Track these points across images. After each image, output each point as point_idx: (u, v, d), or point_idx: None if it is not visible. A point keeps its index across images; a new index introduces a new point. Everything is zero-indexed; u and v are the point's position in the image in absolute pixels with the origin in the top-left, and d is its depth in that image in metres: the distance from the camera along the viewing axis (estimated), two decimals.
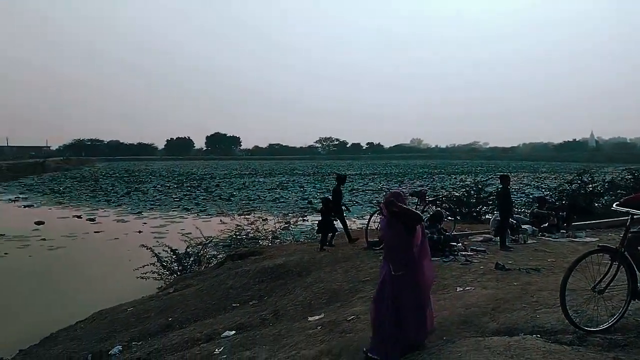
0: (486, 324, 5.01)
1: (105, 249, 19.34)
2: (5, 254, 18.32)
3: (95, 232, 22.95)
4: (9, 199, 38.74)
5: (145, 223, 25.28)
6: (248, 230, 17.16)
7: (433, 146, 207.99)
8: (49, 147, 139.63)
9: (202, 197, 38.06)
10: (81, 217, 27.62)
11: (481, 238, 10.99)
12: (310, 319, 6.69)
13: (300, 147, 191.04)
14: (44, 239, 20.88)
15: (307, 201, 34.32)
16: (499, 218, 10.39)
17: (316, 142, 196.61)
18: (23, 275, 15.91)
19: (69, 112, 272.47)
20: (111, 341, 7.55)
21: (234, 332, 6.76)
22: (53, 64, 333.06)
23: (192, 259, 14.38)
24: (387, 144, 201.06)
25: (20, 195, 41.68)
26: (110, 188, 47.56)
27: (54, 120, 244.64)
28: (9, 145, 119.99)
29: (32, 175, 70.11)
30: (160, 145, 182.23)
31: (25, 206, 33.89)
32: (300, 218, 22.60)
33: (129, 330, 7.83)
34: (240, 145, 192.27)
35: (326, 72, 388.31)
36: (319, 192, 41.22)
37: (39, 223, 24.79)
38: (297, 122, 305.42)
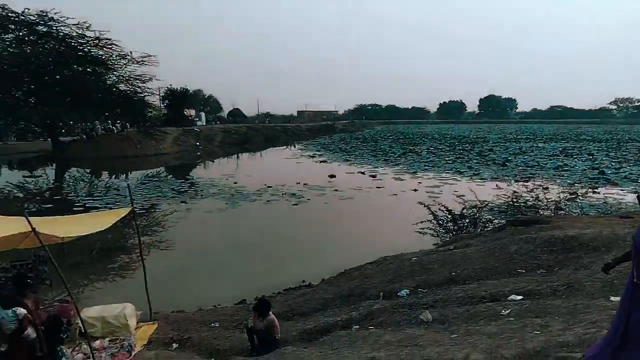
0: None
1: (386, 203, 21.17)
2: (308, 199, 22.00)
3: (376, 187, 25.31)
4: (309, 155, 46.12)
5: (420, 182, 26.47)
6: (527, 198, 16.17)
7: None
8: (337, 111, 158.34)
9: (475, 161, 37.39)
10: (364, 174, 30.79)
11: None
12: (612, 299, 5.93)
13: (589, 110, 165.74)
14: (336, 190, 24.18)
15: (598, 171, 29.91)
16: None
17: (610, 103, 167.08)
18: (321, 218, 18.87)
19: (354, 80, 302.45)
20: (398, 284, 8.30)
21: (520, 297, 6.54)
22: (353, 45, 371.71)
23: (467, 220, 14.50)
24: None
25: (317, 153, 49.05)
26: (388, 149, 51.27)
27: (342, 88, 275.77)
28: (307, 110, 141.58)
29: (324, 136, 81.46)
30: (433, 108, 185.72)
31: (321, 161, 39.83)
32: (590, 190, 19.88)
33: (414, 278, 8.46)
34: (517, 108, 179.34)
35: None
36: (613, 162, 35.40)
37: (331, 176, 28.81)
38: (586, 80, 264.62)
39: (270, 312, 6.53)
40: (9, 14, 38.46)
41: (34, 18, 39.29)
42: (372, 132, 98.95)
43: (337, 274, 11.01)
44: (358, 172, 31.69)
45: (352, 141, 66.55)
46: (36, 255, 6.23)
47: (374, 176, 29.56)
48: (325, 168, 34.45)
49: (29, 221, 5.39)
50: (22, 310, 5.09)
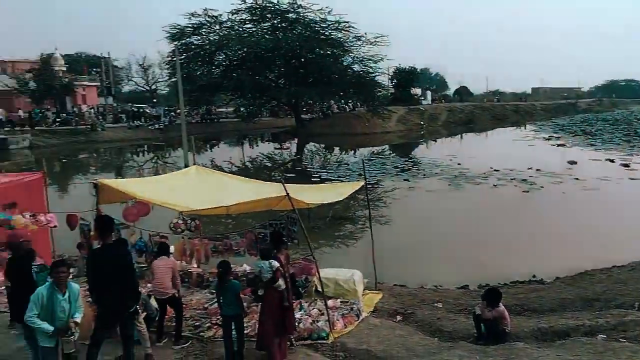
0: None
1: None
2: (541, 187, 20.02)
3: (630, 178, 21.55)
4: (544, 138, 41.81)
5: None
6: None
7: None
8: (580, 88, 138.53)
9: None
10: (614, 162, 26.42)
11: None
12: None
13: None
14: (577, 179, 21.35)
15: None
16: None
17: None
18: (557, 209, 16.91)
19: (604, 50, 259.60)
20: None
21: None
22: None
23: None
24: None
25: (553, 135, 44.08)
26: None
27: (587, 61, 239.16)
28: (543, 87, 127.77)
29: (563, 116, 72.57)
30: None
31: (558, 145, 35.70)
32: None
33: None
34: None
35: None
36: None
37: (571, 162, 25.60)
38: None
39: (500, 303, 6.18)
40: (267, 4, 44.40)
41: (286, 6, 44.52)
42: (626, 112, 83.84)
43: (575, 274, 9.82)
44: (605, 160, 27.31)
45: (599, 123, 57.61)
46: (287, 217, 7.15)
47: (626, 165, 25.12)
48: (564, 153, 30.71)
49: (285, 187, 6.21)
50: (275, 263, 5.89)
